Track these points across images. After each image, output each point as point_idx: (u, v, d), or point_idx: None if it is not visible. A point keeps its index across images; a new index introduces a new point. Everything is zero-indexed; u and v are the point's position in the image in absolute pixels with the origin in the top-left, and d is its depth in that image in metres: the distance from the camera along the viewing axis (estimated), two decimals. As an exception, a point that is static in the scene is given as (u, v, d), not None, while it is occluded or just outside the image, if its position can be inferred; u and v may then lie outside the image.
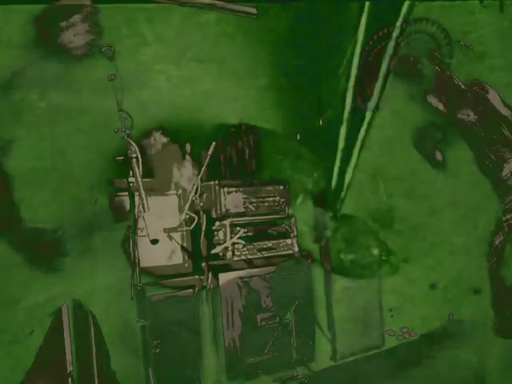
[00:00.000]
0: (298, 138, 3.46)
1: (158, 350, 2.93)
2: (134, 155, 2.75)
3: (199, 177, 3.07)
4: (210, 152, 3.02)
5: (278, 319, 3.34)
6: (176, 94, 3.08)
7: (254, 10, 3.40)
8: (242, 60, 3.28)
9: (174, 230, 3.07)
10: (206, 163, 3.05)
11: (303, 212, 3.49)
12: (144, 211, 2.77)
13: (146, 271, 2.95)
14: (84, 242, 2.78)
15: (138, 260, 2.79)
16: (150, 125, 2.97)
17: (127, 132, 2.77)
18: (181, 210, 3.08)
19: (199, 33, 3.15)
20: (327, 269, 3.51)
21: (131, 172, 2.78)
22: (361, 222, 3.59)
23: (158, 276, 3.00)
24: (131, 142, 2.76)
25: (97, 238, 2.79)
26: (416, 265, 3.65)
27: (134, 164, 2.75)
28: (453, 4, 3.59)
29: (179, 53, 3.10)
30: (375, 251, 3.60)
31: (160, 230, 2.99)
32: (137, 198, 2.82)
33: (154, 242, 2.80)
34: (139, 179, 2.75)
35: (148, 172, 2.90)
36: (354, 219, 3.58)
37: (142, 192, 2.74)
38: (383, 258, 3.60)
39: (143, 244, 2.91)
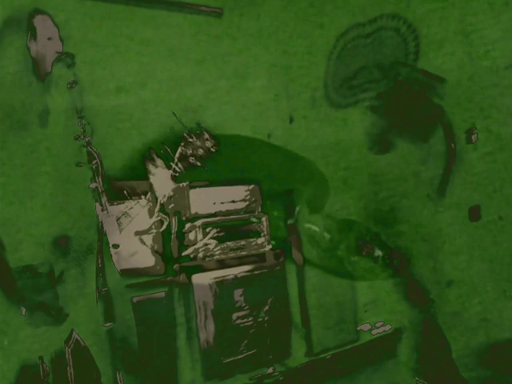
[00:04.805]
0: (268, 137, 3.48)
1: (133, 350, 2.97)
2: (94, 162, 2.78)
3: (169, 179, 3.08)
4: (176, 156, 3.03)
5: (252, 317, 3.36)
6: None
7: (219, 10, 3.42)
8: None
9: (145, 232, 3.09)
10: (173, 167, 3.06)
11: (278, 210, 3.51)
12: (108, 216, 2.80)
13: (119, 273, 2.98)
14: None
15: (102, 265, 2.82)
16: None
17: (87, 139, 2.80)
18: (151, 213, 3.09)
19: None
20: (299, 266, 3.53)
21: (92, 178, 2.82)
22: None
23: (130, 278, 3.03)
24: (93, 148, 2.80)
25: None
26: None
27: (95, 170, 2.78)
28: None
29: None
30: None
31: (131, 234, 3.02)
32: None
33: (115, 246, 2.83)
34: (101, 185, 2.78)
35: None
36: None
37: (104, 197, 2.77)
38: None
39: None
